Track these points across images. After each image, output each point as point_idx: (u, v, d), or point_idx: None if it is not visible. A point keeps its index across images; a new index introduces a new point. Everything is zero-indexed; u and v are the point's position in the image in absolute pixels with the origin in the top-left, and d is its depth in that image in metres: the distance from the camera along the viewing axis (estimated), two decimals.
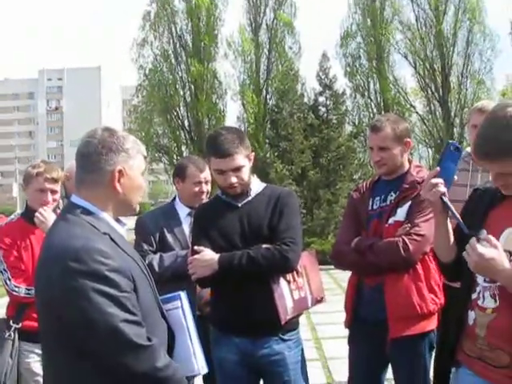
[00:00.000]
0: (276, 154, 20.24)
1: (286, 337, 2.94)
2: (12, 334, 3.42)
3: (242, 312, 2.85)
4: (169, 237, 3.62)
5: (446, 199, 2.26)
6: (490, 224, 2.26)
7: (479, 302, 2.25)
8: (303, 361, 3.04)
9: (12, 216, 3.75)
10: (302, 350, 3.07)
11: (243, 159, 2.93)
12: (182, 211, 3.74)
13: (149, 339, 1.90)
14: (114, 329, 1.82)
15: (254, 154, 3.06)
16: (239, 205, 3.00)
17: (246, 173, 2.95)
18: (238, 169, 2.91)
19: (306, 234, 17.31)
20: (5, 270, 3.45)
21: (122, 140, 2.06)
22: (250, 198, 3.01)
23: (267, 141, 23.74)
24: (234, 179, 2.91)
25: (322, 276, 3.25)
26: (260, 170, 19.11)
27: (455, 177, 2.32)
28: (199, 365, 2.22)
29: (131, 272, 1.95)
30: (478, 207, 2.36)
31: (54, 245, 1.95)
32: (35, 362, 3.34)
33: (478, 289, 2.26)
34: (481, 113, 3.54)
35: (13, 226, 3.58)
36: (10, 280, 3.42)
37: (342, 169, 19.92)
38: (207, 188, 3.74)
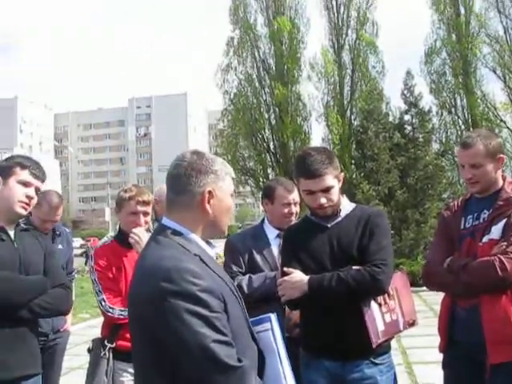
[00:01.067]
0: (362, 174, 20.04)
1: (377, 360, 2.87)
2: (107, 353, 3.52)
3: (332, 335, 2.80)
4: (258, 258, 3.63)
5: None
6: None
7: None
8: None
9: (105, 239, 3.86)
10: (395, 373, 2.98)
11: (332, 179, 2.89)
12: (271, 233, 3.75)
13: (239, 360, 1.90)
14: (205, 349, 1.83)
15: (343, 174, 3.02)
16: (329, 225, 2.97)
17: (335, 193, 2.91)
18: (327, 189, 2.88)
19: (394, 255, 16.88)
20: (100, 291, 3.55)
21: (211, 162, 2.09)
22: (339, 219, 2.97)
23: (353, 161, 23.56)
24: (323, 200, 2.88)
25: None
26: (346, 190, 18.93)
27: None
28: None
29: (222, 293, 1.95)
30: None
31: (146, 266, 1.99)
32: (129, 381, 3.41)
33: None
34: None
35: (107, 249, 3.69)
36: (104, 301, 3.51)
37: (429, 188, 19.43)
38: (296, 209, 3.72)
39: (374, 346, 2.79)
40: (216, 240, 2.30)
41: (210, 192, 2.05)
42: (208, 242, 2.13)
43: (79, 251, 29.13)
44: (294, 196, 3.67)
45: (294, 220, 3.66)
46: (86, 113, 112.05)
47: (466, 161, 3.08)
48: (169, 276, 1.87)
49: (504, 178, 3.14)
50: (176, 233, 2.04)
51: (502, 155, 3.10)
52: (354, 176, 20.95)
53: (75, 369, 6.93)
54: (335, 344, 2.81)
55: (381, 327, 2.82)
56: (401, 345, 8.22)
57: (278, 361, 2.19)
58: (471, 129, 25.14)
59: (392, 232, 18.00)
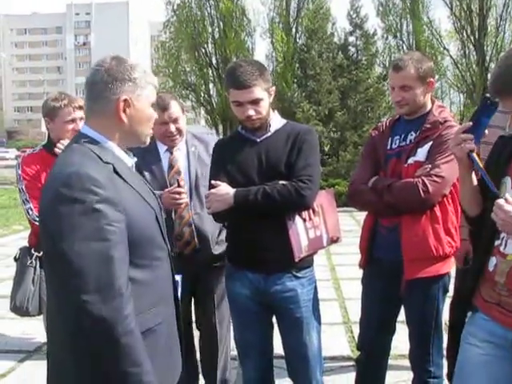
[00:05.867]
0: (303, 94, 20.02)
1: (299, 274, 2.93)
2: (34, 261, 3.52)
3: (256, 248, 2.84)
4: (146, 174, 3.40)
5: (473, 156, 2.20)
6: None
7: (501, 249, 2.22)
8: (316, 299, 3.03)
9: (35, 148, 3.79)
10: (316, 288, 3.05)
11: (262, 92, 2.85)
12: (161, 147, 3.52)
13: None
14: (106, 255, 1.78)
15: (274, 88, 2.98)
16: (258, 140, 2.95)
17: (264, 106, 2.88)
18: (256, 101, 2.84)
19: (331, 176, 17.32)
20: (27, 200, 3.51)
21: (130, 69, 2.00)
22: (269, 134, 2.96)
23: (295, 80, 23.45)
24: (251, 112, 2.85)
25: (344, 218, 3.22)
26: (287, 109, 18.95)
27: (486, 131, 2.27)
28: None
29: (125, 207, 1.88)
30: (503, 154, 2.31)
31: (52, 173, 1.93)
32: None
33: (502, 235, 2.23)
34: None
35: (35, 157, 3.63)
36: (32, 210, 3.48)
37: (369, 111, 19.65)
38: (176, 127, 3.42)
39: (296, 260, 2.84)
40: None
41: (125, 100, 1.97)
42: (127, 151, 2.08)
43: (15, 162, 28.30)
44: (169, 114, 3.37)
45: (178, 138, 3.47)
46: (18, 17, 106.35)
47: (397, 83, 3.08)
48: (68, 181, 1.81)
49: (433, 102, 3.17)
50: (91, 140, 1.98)
51: (432, 79, 3.11)
52: (295, 95, 20.88)
53: (5, 279, 6.89)
54: (258, 257, 2.86)
55: (304, 242, 2.87)
56: (330, 262, 8.51)
57: None
58: None
59: (330, 153, 18.37)
